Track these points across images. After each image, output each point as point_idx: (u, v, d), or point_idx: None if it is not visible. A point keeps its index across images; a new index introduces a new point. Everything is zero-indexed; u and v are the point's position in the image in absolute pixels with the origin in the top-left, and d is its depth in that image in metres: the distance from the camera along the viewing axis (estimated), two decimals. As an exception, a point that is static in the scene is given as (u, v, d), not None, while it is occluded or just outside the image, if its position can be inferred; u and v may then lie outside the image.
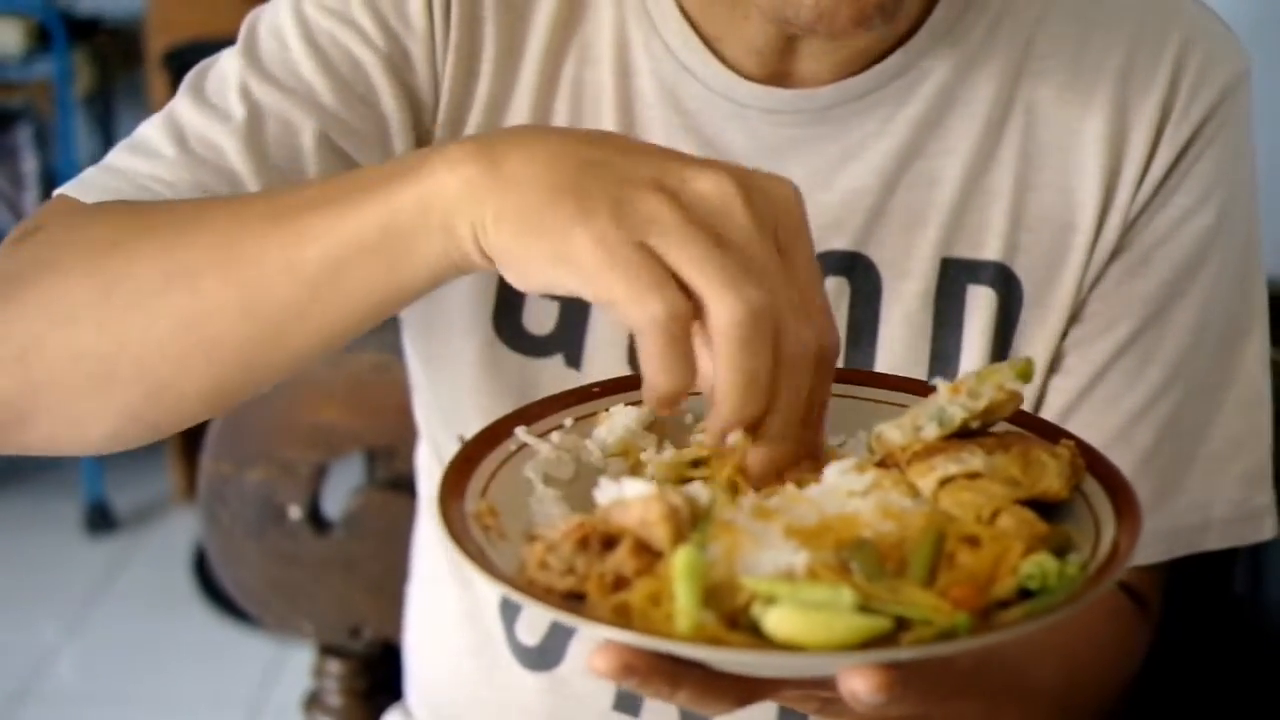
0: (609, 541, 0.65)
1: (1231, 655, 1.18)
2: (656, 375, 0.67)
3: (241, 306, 0.76)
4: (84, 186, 0.88)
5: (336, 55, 0.92)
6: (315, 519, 1.34)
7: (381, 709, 1.24)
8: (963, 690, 0.81)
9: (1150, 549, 0.98)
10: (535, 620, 1.04)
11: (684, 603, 0.60)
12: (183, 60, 3.16)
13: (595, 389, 0.80)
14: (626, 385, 0.80)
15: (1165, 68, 0.94)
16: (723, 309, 0.66)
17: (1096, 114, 0.94)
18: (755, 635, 0.61)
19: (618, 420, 0.77)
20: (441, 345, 1.01)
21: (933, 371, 0.96)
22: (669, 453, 0.75)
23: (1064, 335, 0.97)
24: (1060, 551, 0.66)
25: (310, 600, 1.35)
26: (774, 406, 0.68)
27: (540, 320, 0.98)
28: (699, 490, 0.69)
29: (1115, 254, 0.95)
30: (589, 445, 0.76)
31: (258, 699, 2.72)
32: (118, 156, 0.91)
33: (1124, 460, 0.95)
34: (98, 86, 3.38)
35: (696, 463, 0.74)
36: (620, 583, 0.64)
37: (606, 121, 0.95)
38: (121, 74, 3.43)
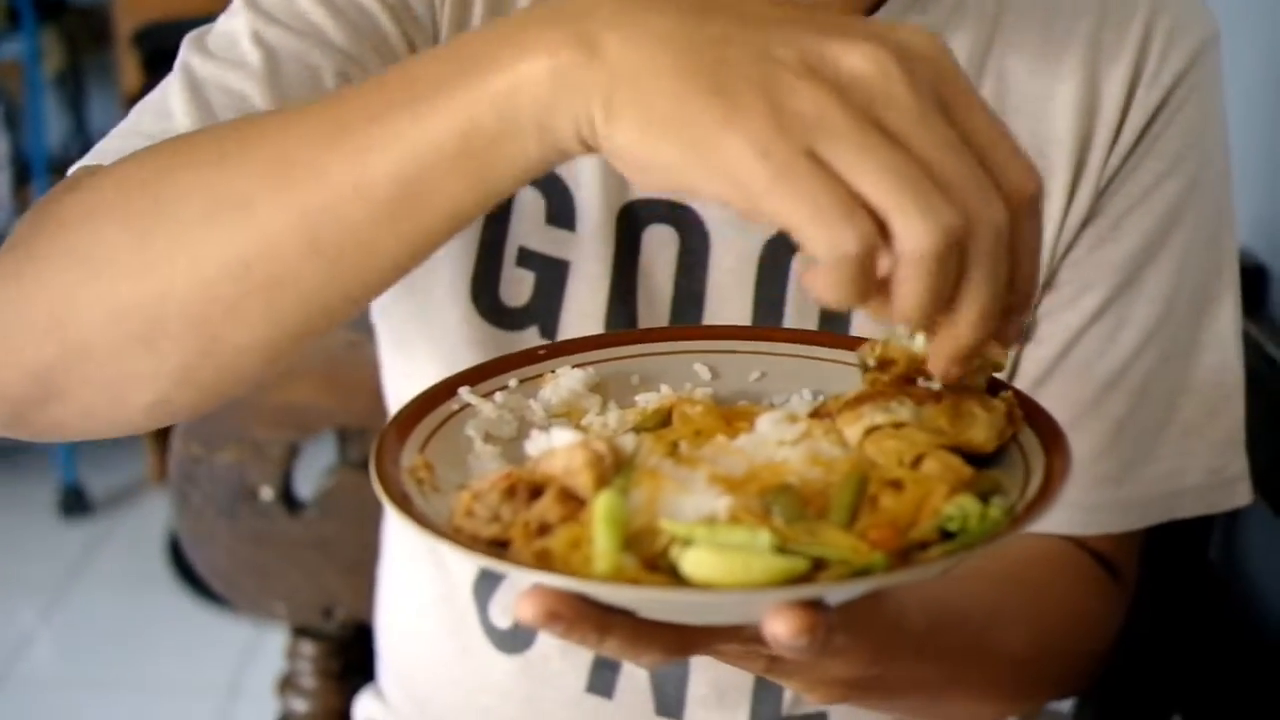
0: (536, 491, 0.64)
1: (1206, 623, 1.18)
2: (839, 296, 0.59)
3: (304, 238, 0.66)
4: (102, 154, 0.82)
5: (342, 1, 0.89)
6: (287, 499, 1.34)
7: (355, 690, 1.23)
8: (918, 651, 0.81)
9: (1124, 517, 0.99)
10: (509, 603, 1.03)
11: (602, 545, 0.60)
12: (152, 40, 3.14)
13: (541, 351, 0.80)
14: (573, 348, 0.80)
15: (1135, 33, 0.94)
16: (914, 235, 0.58)
17: (1067, 80, 0.94)
18: (674, 579, 0.60)
19: (563, 382, 0.77)
20: (417, 320, 1.00)
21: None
22: (613, 414, 0.75)
23: (1037, 303, 0.96)
24: (987, 496, 0.65)
25: (283, 581, 1.35)
26: (960, 304, 0.62)
27: (516, 292, 0.97)
28: (626, 439, 0.69)
29: (1087, 220, 0.95)
30: (533, 405, 0.76)
31: (234, 681, 2.72)
32: (133, 120, 0.85)
33: (1097, 428, 0.96)
34: (67, 66, 3.35)
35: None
36: (544, 529, 0.63)
37: None
38: (91, 54, 3.40)
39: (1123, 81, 0.94)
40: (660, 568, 0.61)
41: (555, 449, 0.65)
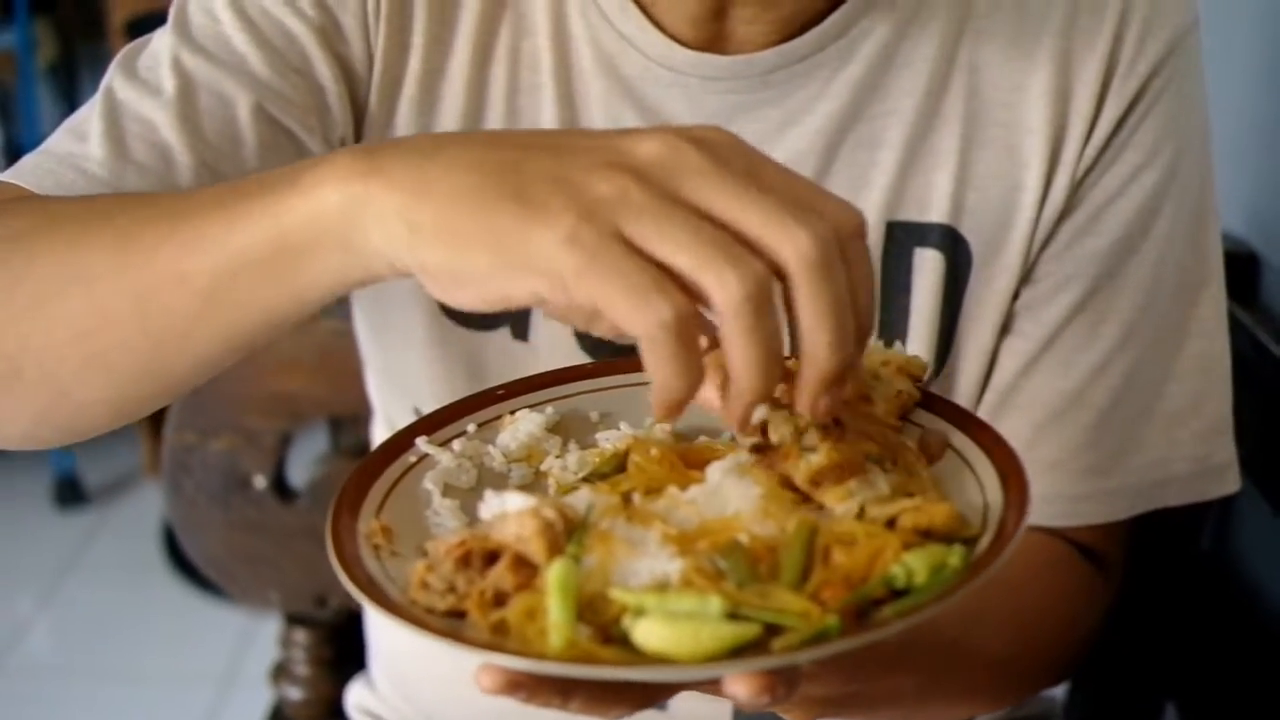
0: (491, 557, 0.64)
1: (1199, 610, 1.18)
2: (671, 380, 0.61)
3: (134, 316, 0.72)
4: (20, 172, 0.86)
5: (268, 27, 0.90)
6: (280, 488, 1.34)
7: (349, 677, 1.23)
8: (893, 667, 0.81)
9: (1111, 507, 0.98)
10: None
11: (556, 618, 0.60)
12: (145, 30, 3.11)
13: (500, 391, 0.79)
14: (531, 385, 0.79)
15: (1109, 21, 0.93)
16: (724, 288, 0.60)
17: (1040, 70, 0.93)
18: (628, 647, 0.60)
19: (521, 426, 0.77)
20: (388, 320, 1.00)
21: (882, 337, 0.94)
22: (573, 456, 0.75)
23: (1015, 296, 0.96)
24: (951, 539, 0.65)
25: (276, 569, 1.35)
26: (805, 336, 0.63)
27: None
28: (581, 497, 0.68)
29: (1065, 213, 0.94)
30: (492, 451, 0.76)
31: (228, 669, 2.72)
32: (55, 139, 0.89)
33: (1081, 420, 0.96)
34: (60, 57, 3.35)
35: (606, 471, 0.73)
36: (500, 598, 0.63)
37: (545, 90, 0.93)
38: (84, 44, 3.40)
39: (1098, 71, 0.93)
40: (614, 637, 0.61)
41: (507, 513, 0.65)
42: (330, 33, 0.91)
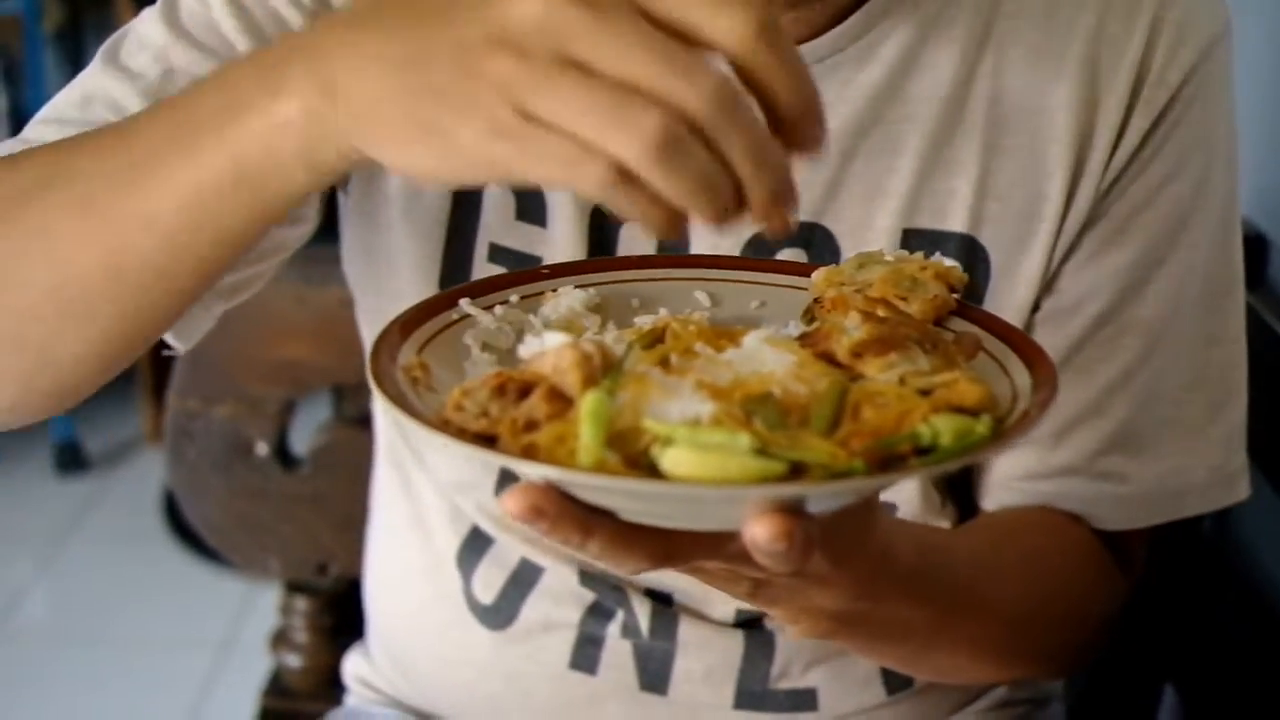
0: (526, 391, 0.65)
1: (1199, 594, 1.18)
2: (644, 217, 0.62)
3: (105, 266, 0.73)
4: None
5: (261, 14, 0.89)
6: (283, 455, 1.34)
7: (347, 646, 1.23)
8: (905, 590, 0.81)
9: (1130, 515, 0.98)
10: (491, 578, 1.03)
11: (586, 440, 0.60)
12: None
13: (545, 270, 0.80)
14: (577, 269, 0.80)
15: (1140, 28, 0.91)
16: (626, 153, 0.60)
17: (1066, 78, 0.91)
18: (655, 477, 0.61)
19: (563, 300, 0.78)
20: (388, 303, 0.99)
21: None
22: (611, 334, 0.75)
23: (1035, 306, 0.94)
24: (978, 412, 0.66)
25: (277, 537, 1.35)
26: (736, 167, 0.62)
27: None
28: (618, 344, 0.69)
29: (1089, 224, 0.93)
30: (532, 319, 0.77)
31: (227, 637, 2.72)
32: (30, 126, 0.88)
33: (1101, 426, 0.95)
34: (67, 23, 3.34)
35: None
36: (531, 426, 0.63)
37: None
38: (91, 10, 3.39)
39: (1127, 80, 0.91)
40: (641, 466, 0.61)
41: (546, 350, 0.66)
42: None
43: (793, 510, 0.60)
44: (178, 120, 0.72)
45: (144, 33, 0.90)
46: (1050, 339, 0.94)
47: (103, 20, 3.36)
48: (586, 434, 0.61)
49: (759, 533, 0.60)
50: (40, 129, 0.88)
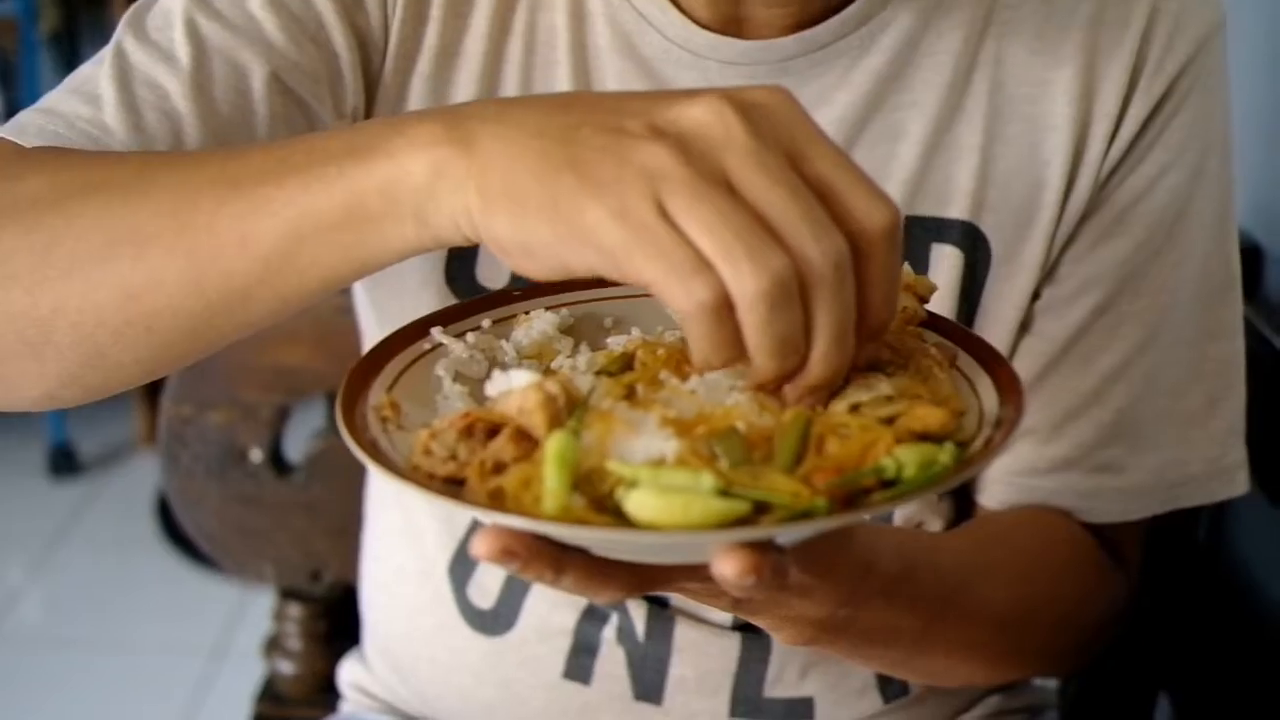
0: (494, 431, 0.65)
1: (1194, 601, 1.18)
2: (709, 354, 0.63)
3: (189, 279, 0.71)
4: (20, 130, 0.84)
5: None
6: (276, 461, 1.34)
7: (341, 652, 1.23)
8: (890, 596, 0.81)
9: (1126, 506, 0.98)
10: (488, 582, 1.03)
11: (551, 485, 0.61)
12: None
13: (516, 293, 0.80)
14: (548, 290, 0.80)
15: (1138, 17, 0.92)
16: (741, 281, 0.61)
17: (1066, 66, 0.92)
18: (620, 519, 0.61)
19: (535, 324, 0.78)
20: (393, 300, 0.99)
21: None
22: (583, 356, 0.76)
23: (1035, 295, 0.95)
24: (944, 440, 0.66)
25: (271, 543, 1.35)
26: (812, 339, 0.63)
27: (494, 275, 0.95)
28: (583, 379, 0.70)
29: (1088, 213, 0.93)
30: (504, 345, 0.77)
31: (220, 643, 2.72)
32: (58, 98, 0.86)
33: (1098, 418, 0.95)
34: (62, 25, 3.34)
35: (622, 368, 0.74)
36: (499, 468, 0.64)
37: (560, 68, 0.92)
38: (86, 12, 3.38)
39: (1125, 69, 0.91)
40: (607, 508, 0.61)
41: (512, 390, 0.66)
42: (350, 3, 0.90)
43: (759, 545, 0.61)
44: (294, 147, 0.70)
45: (169, 6, 0.89)
46: (1050, 327, 0.95)
47: (98, 22, 3.36)
48: (551, 479, 0.61)
49: (726, 570, 0.61)
50: (67, 100, 0.86)
